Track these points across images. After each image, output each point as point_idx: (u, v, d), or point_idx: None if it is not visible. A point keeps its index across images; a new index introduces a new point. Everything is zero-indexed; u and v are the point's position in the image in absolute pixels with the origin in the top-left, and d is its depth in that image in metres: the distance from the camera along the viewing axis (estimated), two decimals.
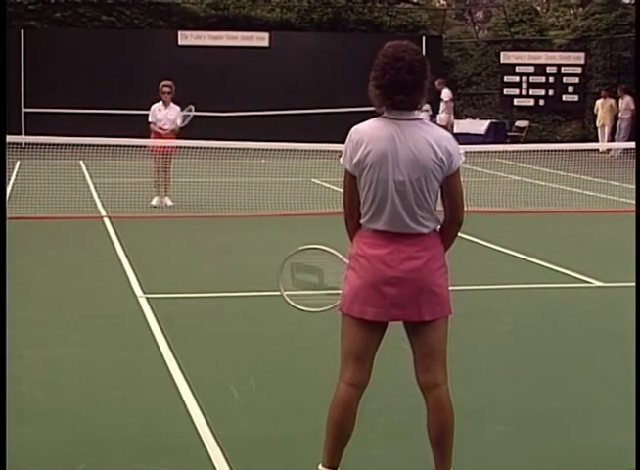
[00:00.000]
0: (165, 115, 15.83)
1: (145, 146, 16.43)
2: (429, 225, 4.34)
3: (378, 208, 4.30)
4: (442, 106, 29.50)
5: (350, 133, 4.34)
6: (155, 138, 15.92)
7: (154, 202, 15.78)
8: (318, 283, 4.66)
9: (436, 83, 28.43)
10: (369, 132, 4.29)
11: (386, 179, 4.25)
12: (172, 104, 15.95)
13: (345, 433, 4.42)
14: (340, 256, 4.69)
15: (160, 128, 15.77)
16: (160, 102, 15.91)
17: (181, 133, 16.19)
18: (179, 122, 15.97)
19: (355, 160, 4.29)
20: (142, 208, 15.41)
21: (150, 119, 15.89)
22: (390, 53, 4.26)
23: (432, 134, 4.29)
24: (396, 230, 4.30)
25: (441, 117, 29.63)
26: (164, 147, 15.82)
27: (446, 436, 4.37)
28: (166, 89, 15.87)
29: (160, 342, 7.22)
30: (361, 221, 4.39)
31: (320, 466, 4.46)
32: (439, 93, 29.20)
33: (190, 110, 16.38)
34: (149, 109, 16.03)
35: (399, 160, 4.24)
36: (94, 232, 12.97)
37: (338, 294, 4.52)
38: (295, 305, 4.76)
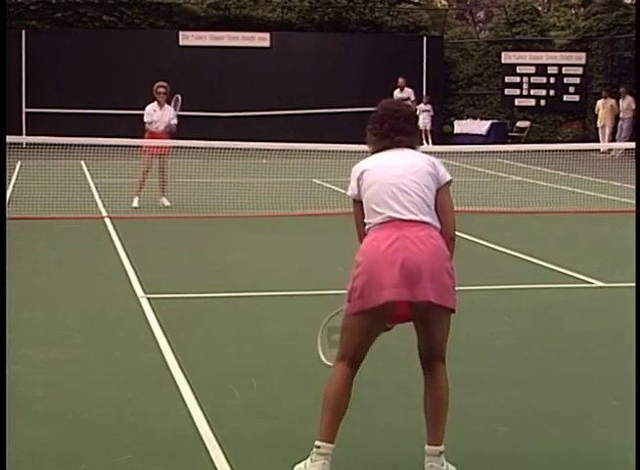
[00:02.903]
0: (161, 116, 15.74)
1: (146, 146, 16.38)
2: (432, 220, 4.56)
3: (381, 201, 4.57)
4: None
5: (352, 171, 4.78)
6: (150, 138, 15.79)
7: (135, 203, 15.59)
8: None
9: (399, 82, 27.72)
10: (367, 161, 4.77)
11: (387, 175, 4.64)
12: (167, 105, 15.86)
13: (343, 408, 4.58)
14: None
15: (156, 129, 15.70)
16: (155, 103, 15.79)
17: (178, 133, 16.11)
18: (174, 121, 15.88)
19: (357, 176, 4.70)
20: (143, 208, 15.42)
21: (146, 120, 15.76)
22: (388, 106, 4.85)
23: (422, 154, 4.81)
24: (402, 217, 4.52)
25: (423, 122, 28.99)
26: (160, 148, 15.75)
27: (441, 411, 4.58)
28: (162, 90, 15.74)
29: (162, 342, 7.23)
30: (367, 226, 4.60)
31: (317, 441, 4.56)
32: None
33: (177, 99, 16.15)
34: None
35: (397, 166, 4.68)
36: (95, 232, 12.98)
37: None
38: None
